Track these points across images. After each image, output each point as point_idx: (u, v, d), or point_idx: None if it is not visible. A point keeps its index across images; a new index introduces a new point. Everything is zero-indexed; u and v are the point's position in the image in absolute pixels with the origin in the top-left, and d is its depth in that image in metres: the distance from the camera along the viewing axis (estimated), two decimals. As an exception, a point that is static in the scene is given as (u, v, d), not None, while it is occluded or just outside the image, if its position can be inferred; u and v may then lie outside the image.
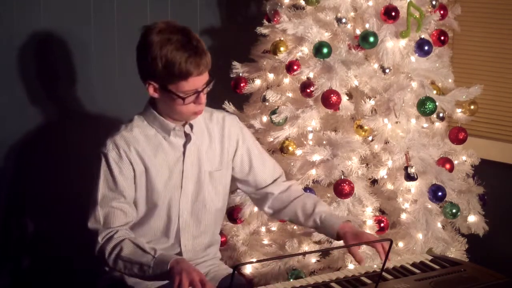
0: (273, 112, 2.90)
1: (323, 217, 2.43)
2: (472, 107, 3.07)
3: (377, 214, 2.87)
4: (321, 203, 2.52)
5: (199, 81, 2.29)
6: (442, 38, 2.92)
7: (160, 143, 2.40)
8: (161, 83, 2.29)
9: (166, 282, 2.24)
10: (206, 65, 2.31)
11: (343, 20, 2.86)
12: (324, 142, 2.80)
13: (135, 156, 2.36)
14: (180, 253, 2.46)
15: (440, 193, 2.78)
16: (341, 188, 2.71)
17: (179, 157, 2.42)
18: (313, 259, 2.94)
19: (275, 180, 2.58)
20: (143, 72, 2.33)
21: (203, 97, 2.34)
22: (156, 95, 2.33)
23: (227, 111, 3.11)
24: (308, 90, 2.81)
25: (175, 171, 2.42)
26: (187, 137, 2.42)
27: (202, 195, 2.47)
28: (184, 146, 2.42)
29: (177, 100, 2.29)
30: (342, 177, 2.73)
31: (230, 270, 2.57)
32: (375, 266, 2.49)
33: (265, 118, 3.04)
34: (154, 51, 2.25)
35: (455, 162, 2.98)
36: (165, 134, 2.40)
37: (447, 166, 2.90)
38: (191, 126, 2.42)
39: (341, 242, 2.55)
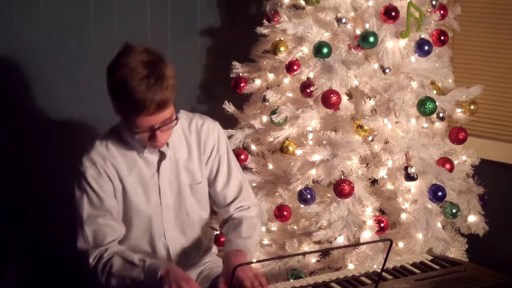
0: (273, 112, 2.90)
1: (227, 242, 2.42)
2: (472, 107, 3.07)
3: (377, 214, 2.87)
4: (240, 229, 2.43)
5: (152, 120, 2.18)
6: (442, 38, 2.92)
7: (135, 160, 2.36)
8: (119, 107, 2.22)
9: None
10: (161, 104, 2.16)
11: (343, 20, 2.86)
12: (324, 142, 2.80)
13: (112, 171, 2.33)
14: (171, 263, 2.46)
15: (440, 193, 2.78)
16: (341, 188, 2.70)
17: (154, 174, 2.38)
18: (313, 259, 2.93)
19: (232, 201, 2.52)
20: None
21: (159, 135, 2.22)
22: (120, 116, 2.26)
23: (228, 111, 3.13)
24: (308, 90, 2.80)
25: (151, 188, 2.38)
26: (162, 154, 2.38)
27: (184, 207, 2.45)
28: (159, 162, 2.38)
29: (130, 130, 2.23)
30: (342, 177, 2.72)
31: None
32: (375, 266, 2.50)
33: (265, 118, 3.04)
34: (118, 73, 2.16)
35: (455, 162, 2.98)
36: (139, 150, 2.35)
37: (447, 166, 2.90)
38: (167, 143, 2.36)
39: (339, 243, 2.55)
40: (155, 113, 2.17)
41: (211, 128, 2.47)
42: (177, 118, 2.26)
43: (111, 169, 2.32)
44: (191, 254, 2.52)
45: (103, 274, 2.26)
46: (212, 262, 2.60)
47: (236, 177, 2.52)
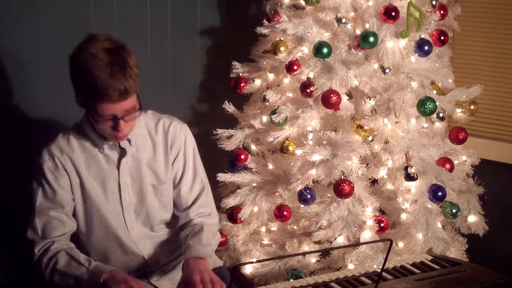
0: (273, 112, 2.90)
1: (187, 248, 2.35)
2: (472, 107, 3.07)
3: (377, 214, 2.87)
4: (201, 236, 2.38)
5: (114, 108, 2.16)
6: (442, 38, 2.92)
7: (95, 155, 2.35)
8: (82, 96, 2.21)
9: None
10: (125, 92, 2.14)
11: (343, 20, 2.86)
12: (324, 142, 2.80)
13: (69, 165, 2.32)
14: (146, 264, 2.45)
15: (440, 193, 2.78)
16: (341, 188, 2.70)
17: (114, 170, 2.36)
18: (313, 259, 2.94)
19: (193, 203, 2.48)
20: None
21: (123, 125, 2.20)
22: (82, 107, 2.25)
23: (228, 111, 3.13)
24: (308, 90, 2.81)
25: (111, 184, 2.36)
26: (122, 150, 2.36)
27: (146, 207, 2.42)
28: (119, 159, 2.36)
29: (93, 118, 2.21)
30: (342, 177, 2.73)
31: (215, 264, 2.54)
32: (375, 266, 2.50)
33: (265, 118, 3.04)
34: (79, 59, 2.17)
35: (455, 162, 2.99)
36: (100, 145, 2.34)
37: (447, 166, 2.90)
38: (129, 140, 2.35)
39: (339, 243, 2.54)
40: (118, 101, 2.15)
41: (179, 129, 2.44)
42: (140, 108, 2.24)
43: (68, 162, 2.32)
44: (162, 253, 2.48)
45: (47, 269, 2.24)
46: None
47: (201, 181, 2.50)
